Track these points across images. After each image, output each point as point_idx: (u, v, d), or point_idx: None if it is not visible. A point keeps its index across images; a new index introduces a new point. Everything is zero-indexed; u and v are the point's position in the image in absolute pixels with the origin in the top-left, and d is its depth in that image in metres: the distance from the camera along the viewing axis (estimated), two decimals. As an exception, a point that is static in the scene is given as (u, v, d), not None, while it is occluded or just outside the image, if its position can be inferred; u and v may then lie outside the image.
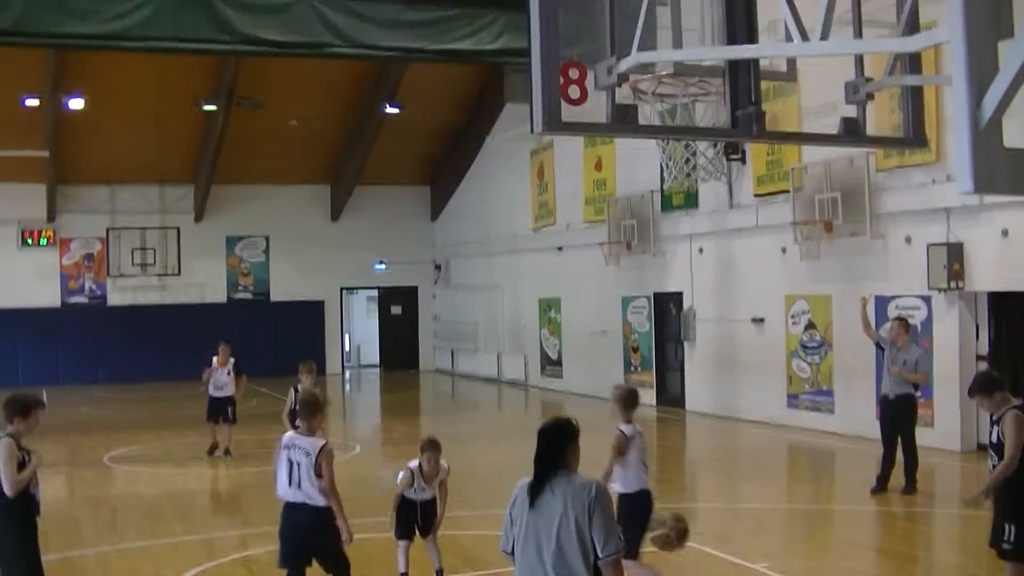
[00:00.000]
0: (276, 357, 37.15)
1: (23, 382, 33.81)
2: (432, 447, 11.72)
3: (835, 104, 15.27)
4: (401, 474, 11.73)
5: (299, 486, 9.94)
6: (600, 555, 6.34)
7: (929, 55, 15.62)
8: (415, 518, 11.72)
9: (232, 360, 21.81)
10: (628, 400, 11.01)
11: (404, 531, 11.79)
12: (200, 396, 22.27)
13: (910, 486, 16.57)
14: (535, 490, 6.49)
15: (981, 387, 10.08)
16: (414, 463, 11.72)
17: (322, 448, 10.06)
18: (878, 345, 17.47)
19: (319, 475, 9.97)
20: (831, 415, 23.13)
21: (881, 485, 16.71)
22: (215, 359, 21.81)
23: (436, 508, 11.81)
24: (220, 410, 21.70)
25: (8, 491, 9.41)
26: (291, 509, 10.15)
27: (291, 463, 10.03)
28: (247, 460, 21.32)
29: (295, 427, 16.04)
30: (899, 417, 16.70)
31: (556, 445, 6.63)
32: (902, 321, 17.14)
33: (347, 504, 16.75)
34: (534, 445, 6.60)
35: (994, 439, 9.92)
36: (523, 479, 6.60)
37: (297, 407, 11.62)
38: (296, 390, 16.79)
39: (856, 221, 21.86)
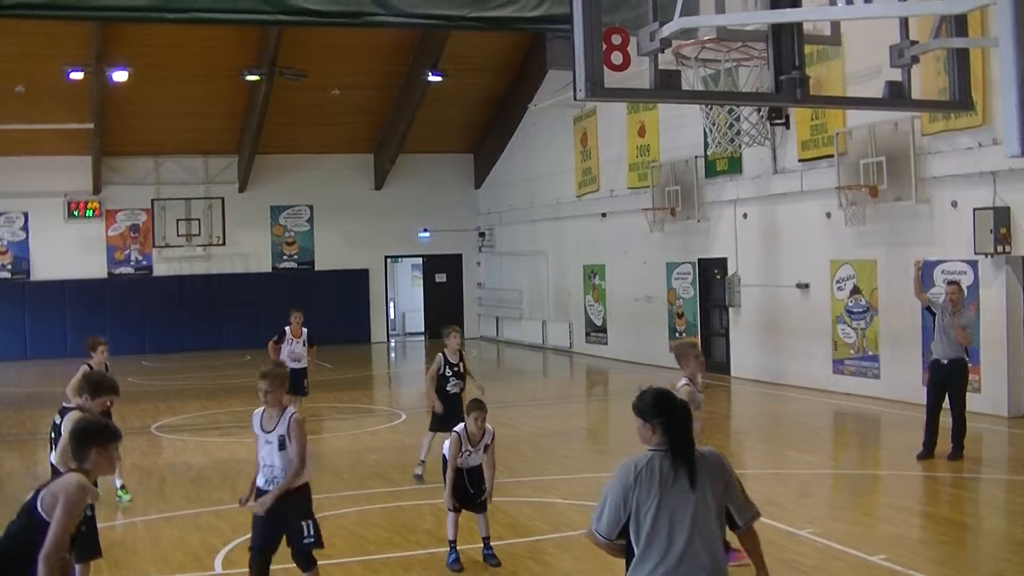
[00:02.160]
0: (321, 326, 37.24)
1: (71, 353, 34.11)
2: (478, 407, 11.77)
3: (880, 68, 15.16)
4: (447, 443, 11.75)
5: None
6: (741, 522, 6.35)
7: (975, 17, 15.49)
8: (464, 486, 11.72)
9: (305, 330, 21.17)
10: None
11: (454, 503, 11.80)
12: (245, 365, 22.28)
13: (957, 451, 16.48)
14: (690, 468, 6.16)
15: None
16: (459, 427, 11.77)
17: None
18: (928, 309, 17.36)
19: None
20: (876, 380, 23.05)
21: (928, 451, 16.63)
22: (287, 329, 21.09)
23: (483, 475, 11.83)
24: (296, 383, 20.51)
25: (55, 458, 9.52)
26: None
27: None
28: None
29: (445, 392, 16.10)
30: (950, 382, 16.60)
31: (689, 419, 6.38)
32: (957, 285, 17.03)
33: (393, 471, 16.91)
34: (662, 419, 6.28)
35: None
36: (633, 459, 6.25)
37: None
38: (444, 355, 16.50)
39: (901, 185, 21.72)
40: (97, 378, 9.97)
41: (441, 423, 15.88)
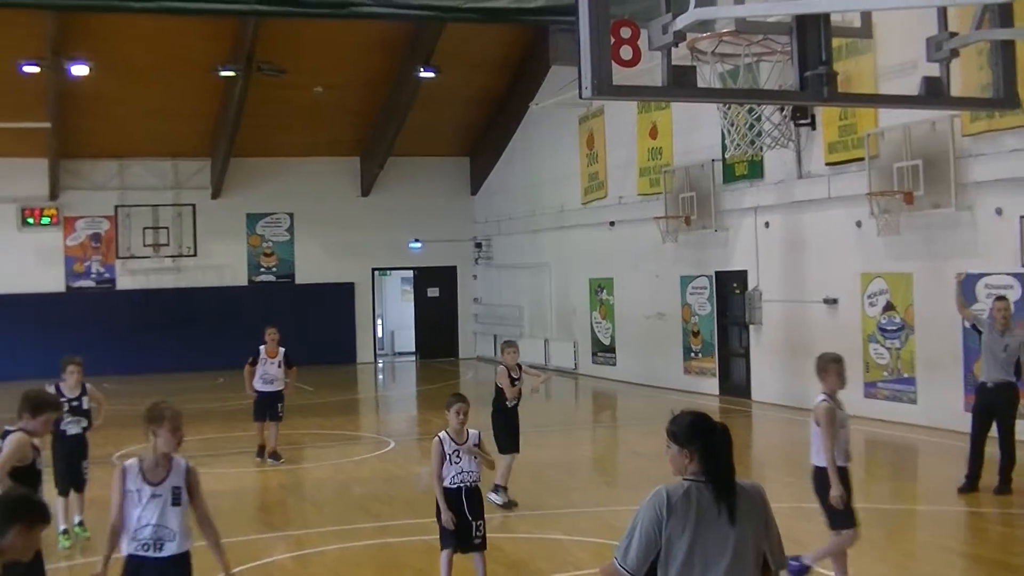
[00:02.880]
0: (302, 345, 37.22)
1: (25, 375, 33.94)
2: (459, 399, 11.69)
3: (915, 62, 15.15)
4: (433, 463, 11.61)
5: None
6: (773, 567, 6.25)
7: (1022, 5, 15.50)
8: (462, 510, 11.51)
9: (283, 350, 21.19)
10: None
11: (449, 537, 11.54)
12: (218, 388, 22.24)
13: (1004, 485, 16.37)
14: (731, 501, 6.08)
15: None
16: (441, 432, 11.65)
17: None
18: (974, 327, 17.31)
19: None
20: (913, 405, 23.01)
21: (971, 483, 16.56)
22: (262, 348, 21.15)
23: (483, 504, 11.72)
24: (269, 407, 21.01)
25: None
26: None
27: None
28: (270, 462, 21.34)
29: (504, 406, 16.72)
30: (998, 408, 16.50)
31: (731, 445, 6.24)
32: (1006, 301, 16.92)
33: (380, 504, 16.88)
34: (707, 447, 6.15)
35: None
36: (668, 487, 6.11)
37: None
38: (506, 369, 16.88)
39: (939, 191, 21.70)
40: (35, 395, 10.07)
41: (506, 441, 16.69)
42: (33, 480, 9.70)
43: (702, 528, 6.00)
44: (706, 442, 6.14)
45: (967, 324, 17.78)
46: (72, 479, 15.23)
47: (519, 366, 17.19)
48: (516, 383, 16.92)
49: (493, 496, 16.12)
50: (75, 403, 15.35)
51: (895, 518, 16.16)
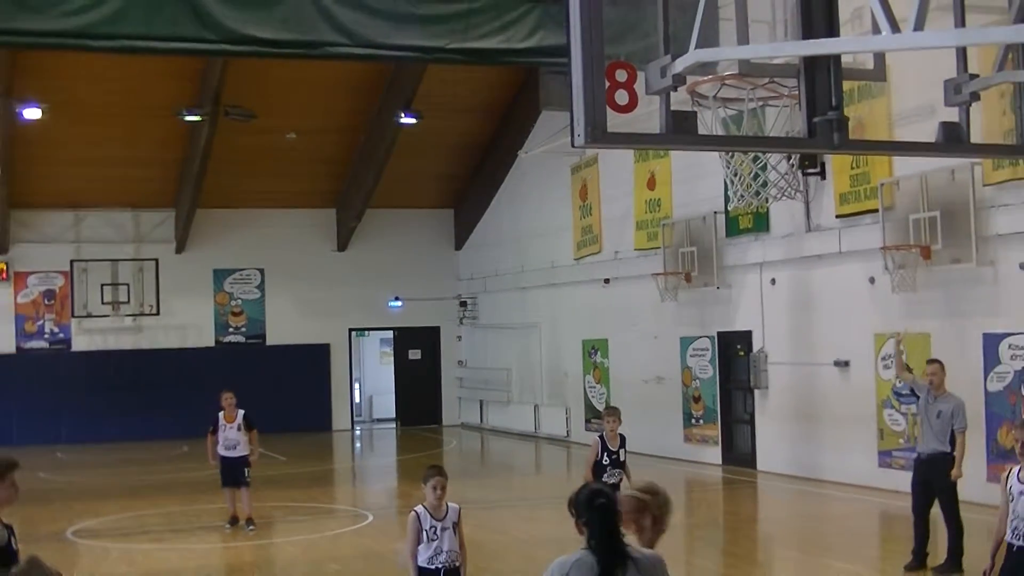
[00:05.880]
0: (273, 411, 37.06)
1: (-27, 443, 33.89)
2: (437, 472, 11.41)
3: (933, 106, 15.21)
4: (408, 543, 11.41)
5: None
6: None
7: (1044, 48, 15.56)
8: None
9: (241, 413, 21.53)
10: None
11: None
12: (182, 458, 22.16)
13: (952, 564, 16.14)
14: (611, 570, 6.67)
15: None
16: (418, 507, 11.42)
17: None
18: (912, 392, 17.31)
19: None
20: (932, 477, 22.93)
21: (917, 561, 16.47)
22: (220, 415, 21.53)
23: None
24: (233, 474, 21.44)
25: None
26: None
27: None
28: (242, 532, 21.25)
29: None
30: (935, 480, 16.42)
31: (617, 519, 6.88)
32: (939, 364, 16.93)
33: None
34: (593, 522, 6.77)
35: None
36: (563, 557, 6.72)
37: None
38: (602, 439, 16.92)
39: (959, 245, 21.70)
40: None
41: None
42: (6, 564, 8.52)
43: None
44: (591, 516, 6.90)
45: (905, 387, 17.65)
46: None
47: (621, 438, 16.90)
48: (615, 455, 16.71)
49: None
50: None
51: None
